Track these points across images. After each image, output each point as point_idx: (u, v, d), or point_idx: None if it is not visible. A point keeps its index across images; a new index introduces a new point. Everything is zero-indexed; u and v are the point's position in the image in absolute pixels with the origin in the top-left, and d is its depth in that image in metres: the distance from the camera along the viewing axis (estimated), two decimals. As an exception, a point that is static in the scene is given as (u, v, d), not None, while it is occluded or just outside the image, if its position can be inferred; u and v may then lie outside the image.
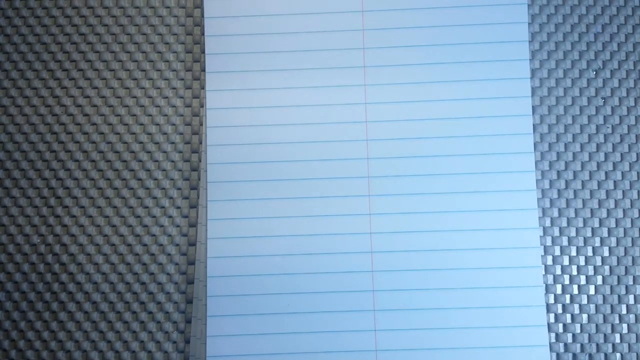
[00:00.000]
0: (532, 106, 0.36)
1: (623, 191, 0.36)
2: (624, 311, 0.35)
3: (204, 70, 0.37)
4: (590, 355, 0.35)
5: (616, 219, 0.36)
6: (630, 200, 0.36)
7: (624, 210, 0.36)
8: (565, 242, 0.36)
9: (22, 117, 0.37)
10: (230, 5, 0.37)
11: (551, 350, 0.35)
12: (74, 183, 0.36)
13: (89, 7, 0.37)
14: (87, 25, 0.37)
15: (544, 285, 0.35)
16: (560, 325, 0.35)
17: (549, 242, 0.35)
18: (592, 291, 0.35)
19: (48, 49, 0.37)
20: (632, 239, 0.36)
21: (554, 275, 0.35)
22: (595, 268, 0.35)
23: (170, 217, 0.36)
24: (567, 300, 0.35)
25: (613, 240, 0.36)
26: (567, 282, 0.35)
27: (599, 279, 0.35)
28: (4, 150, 0.37)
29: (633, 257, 0.35)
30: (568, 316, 0.35)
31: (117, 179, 0.36)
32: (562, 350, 0.35)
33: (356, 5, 0.37)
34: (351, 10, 0.37)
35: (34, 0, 0.38)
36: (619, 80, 0.37)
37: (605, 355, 0.35)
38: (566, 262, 0.35)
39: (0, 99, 0.37)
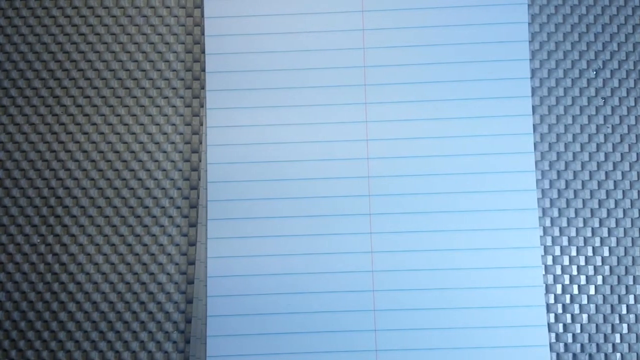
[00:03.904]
0: (532, 106, 0.36)
1: (623, 191, 0.36)
2: (624, 311, 0.35)
3: (204, 70, 0.37)
4: (590, 355, 0.35)
5: (616, 219, 0.36)
6: (630, 200, 0.36)
7: (624, 210, 0.36)
8: (565, 242, 0.36)
9: (22, 117, 0.37)
10: (230, 5, 0.37)
11: (551, 350, 0.35)
12: (74, 183, 0.36)
13: (89, 7, 0.37)
14: (87, 25, 0.37)
15: (544, 285, 0.35)
16: (560, 325, 0.35)
17: (549, 242, 0.35)
18: (592, 291, 0.35)
19: (48, 49, 0.37)
20: (632, 239, 0.36)
21: (554, 275, 0.35)
22: (595, 268, 0.35)
23: (170, 217, 0.36)
24: (567, 300, 0.35)
25: (613, 240, 0.36)
26: (567, 282, 0.35)
27: (599, 279, 0.35)
28: (4, 150, 0.37)
29: (633, 257, 0.35)
30: (568, 316, 0.35)
31: (117, 179, 0.36)
32: (562, 350, 0.35)
33: (356, 5, 0.37)
34: (351, 10, 0.37)
35: (34, 0, 0.38)
36: (619, 80, 0.37)
37: (606, 355, 0.35)
38: (566, 262, 0.35)
39: (0, 99, 0.37)
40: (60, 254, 0.36)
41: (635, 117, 0.36)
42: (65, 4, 0.37)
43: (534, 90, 0.36)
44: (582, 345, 0.35)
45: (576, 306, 0.35)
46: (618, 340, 0.35)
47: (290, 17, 0.37)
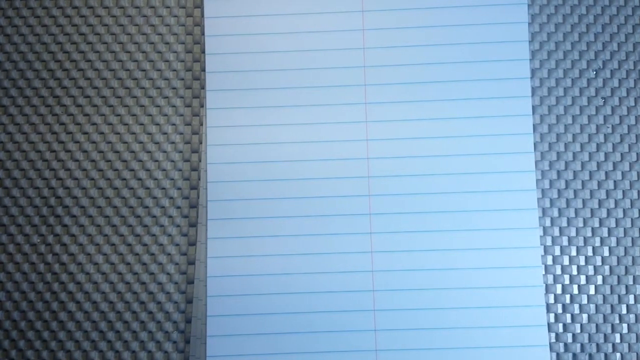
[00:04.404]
0: (532, 106, 0.36)
1: (623, 191, 0.36)
2: (624, 311, 0.35)
3: (204, 70, 0.37)
4: (590, 355, 0.35)
5: (616, 218, 0.36)
6: (630, 200, 0.36)
7: (624, 210, 0.36)
8: (565, 242, 0.36)
9: (22, 117, 0.37)
10: (230, 5, 0.37)
11: (551, 350, 0.35)
12: (74, 183, 0.36)
13: (89, 7, 0.37)
14: (87, 25, 0.37)
15: (544, 285, 0.35)
16: (560, 325, 0.35)
17: (549, 242, 0.35)
18: (592, 291, 0.35)
19: (48, 49, 0.37)
20: (632, 238, 0.36)
21: (554, 275, 0.35)
22: (595, 268, 0.35)
23: (170, 217, 0.36)
24: (567, 300, 0.35)
25: (613, 240, 0.36)
26: (567, 282, 0.35)
27: (599, 278, 0.35)
28: (4, 150, 0.37)
29: (633, 257, 0.35)
30: (568, 316, 0.35)
31: (117, 179, 0.36)
32: (562, 350, 0.35)
33: (356, 5, 0.37)
34: (351, 10, 0.37)
35: (34, 0, 0.38)
36: (619, 80, 0.37)
37: (605, 355, 0.35)
38: (566, 262, 0.35)
39: (0, 99, 0.37)
40: (60, 254, 0.36)
41: (635, 117, 0.36)
42: (65, 4, 0.37)
43: (534, 90, 0.36)
44: (582, 345, 0.35)
45: (576, 306, 0.35)
46: (618, 340, 0.35)
47: (290, 17, 0.37)
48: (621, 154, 0.36)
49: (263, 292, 0.35)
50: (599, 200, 0.36)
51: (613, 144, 0.36)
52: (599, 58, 0.37)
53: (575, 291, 0.35)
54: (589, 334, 0.35)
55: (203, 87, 0.37)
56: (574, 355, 0.35)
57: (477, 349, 0.34)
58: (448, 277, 0.35)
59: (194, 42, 0.37)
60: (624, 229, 0.36)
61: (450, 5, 0.37)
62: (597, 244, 0.36)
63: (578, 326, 0.35)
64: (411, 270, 0.35)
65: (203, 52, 0.37)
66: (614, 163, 0.36)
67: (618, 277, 0.35)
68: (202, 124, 0.37)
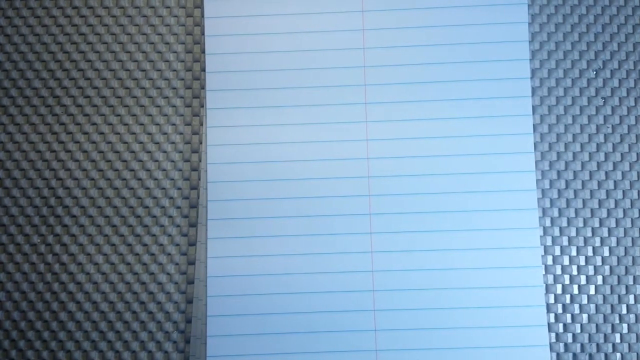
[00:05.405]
0: (532, 106, 0.36)
1: (623, 191, 0.36)
2: (624, 311, 0.35)
3: (204, 70, 0.37)
4: (590, 355, 0.35)
5: (616, 218, 0.36)
6: (630, 200, 0.36)
7: (624, 210, 0.36)
8: (565, 242, 0.36)
9: (22, 117, 0.37)
10: (230, 5, 0.37)
11: (551, 350, 0.35)
12: (74, 183, 0.36)
13: (89, 7, 0.37)
14: (87, 25, 0.37)
15: (544, 285, 0.35)
16: (560, 325, 0.35)
17: (549, 242, 0.35)
18: (592, 291, 0.35)
19: (48, 49, 0.37)
20: (632, 238, 0.36)
21: (554, 275, 0.35)
22: (595, 268, 0.35)
23: (170, 217, 0.36)
24: (567, 300, 0.35)
25: (613, 240, 0.36)
26: (567, 282, 0.35)
27: (599, 279, 0.35)
28: (4, 150, 0.37)
29: (633, 257, 0.35)
30: (568, 316, 0.35)
31: (117, 179, 0.36)
32: (562, 350, 0.35)
33: (356, 5, 0.37)
34: (351, 10, 0.37)
35: (34, 0, 0.38)
36: (619, 80, 0.37)
37: (606, 355, 0.35)
38: (566, 262, 0.35)
39: (0, 99, 0.37)
40: (60, 254, 0.36)
41: (635, 117, 0.36)
42: (65, 4, 0.37)
43: (534, 90, 0.36)
44: (582, 345, 0.35)
45: (576, 306, 0.35)
46: (618, 340, 0.35)
47: (290, 17, 0.37)
48: (621, 154, 0.36)
49: (263, 292, 0.35)
50: (599, 200, 0.36)
51: (613, 144, 0.36)
52: (599, 58, 0.37)
53: (576, 291, 0.35)
54: (589, 334, 0.35)
55: (203, 87, 0.37)
56: (574, 355, 0.35)
57: (477, 349, 0.34)
58: (448, 277, 0.35)
59: (194, 42, 0.37)
60: (624, 229, 0.36)
61: (450, 5, 0.37)
62: (597, 244, 0.36)
63: (578, 326, 0.35)
64: (411, 270, 0.35)
65: (203, 52, 0.37)
66: (614, 163, 0.36)
67: (618, 277, 0.35)
68: (202, 124, 0.37)
